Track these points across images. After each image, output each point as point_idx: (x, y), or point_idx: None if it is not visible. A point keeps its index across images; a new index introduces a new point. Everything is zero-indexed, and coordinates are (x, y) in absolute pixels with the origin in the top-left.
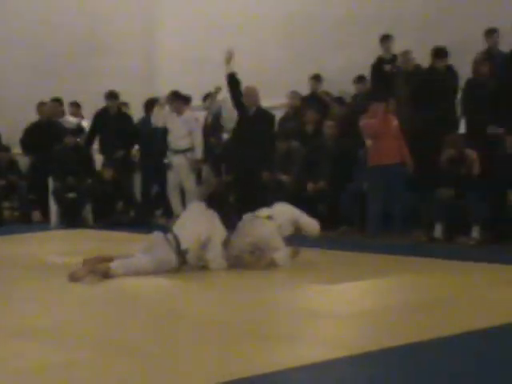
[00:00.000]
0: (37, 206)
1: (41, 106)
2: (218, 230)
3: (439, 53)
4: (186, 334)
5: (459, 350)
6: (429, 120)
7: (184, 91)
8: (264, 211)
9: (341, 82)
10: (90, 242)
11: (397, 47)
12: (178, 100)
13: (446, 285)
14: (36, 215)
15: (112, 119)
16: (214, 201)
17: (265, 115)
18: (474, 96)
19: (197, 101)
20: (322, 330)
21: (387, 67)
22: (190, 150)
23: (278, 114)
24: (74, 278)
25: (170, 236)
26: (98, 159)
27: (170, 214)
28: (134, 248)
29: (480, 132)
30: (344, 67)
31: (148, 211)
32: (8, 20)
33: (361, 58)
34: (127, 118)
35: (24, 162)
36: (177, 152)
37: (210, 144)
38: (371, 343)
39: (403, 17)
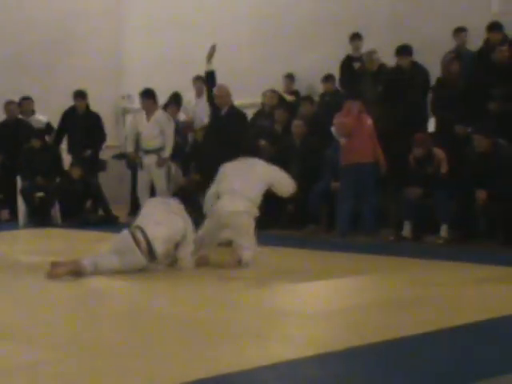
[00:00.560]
0: (5, 205)
1: (8, 104)
2: (190, 227)
3: (402, 50)
4: (156, 333)
5: (426, 348)
6: (397, 119)
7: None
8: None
9: (310, 80)
10: (58, 241)
11: (367, 46)
12: (149, 99)
13: (414, 284)
14: (4, 214)
15: (80, 118)
16: (180, 196)
17: (237, 114)
18: (442, 95)
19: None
20: (291, 329)
21: (356, 65)
22: (162, 149)
23: (249, 113)
24: (52, 275)
25: (139, 236)
26: (67, 158)
27: (137, 213)
28: (102, 247)
29: (448, 131)
30: (313, 66)
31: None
32: None
33: (330, 57)
34: (95, 116)
35: None
36: (148, 152)
37: (177, 143)
38: (339, 342)
39: (373, 15)
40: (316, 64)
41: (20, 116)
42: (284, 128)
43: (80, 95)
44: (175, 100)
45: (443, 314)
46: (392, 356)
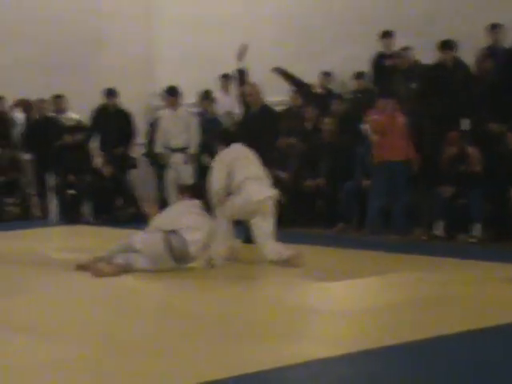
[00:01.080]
0: (37, 203)
1: (40, 102)
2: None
3: (445, 45)
4: (187, 332)
5: (458, 348)
6: (434, 116)
7: (183, 88)
8: None
9: (341, 78)
10: (89, 238)
11: (398, 43)
12: (172, 96)
13: (446, 283)
14: (36, 211)
15: (111, 116)
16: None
17: (269, 112)
18: (476, 93)
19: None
20: (322, 328)
21: (388, 62)
22: (188, 147)
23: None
24: (99, 273)
25: (175, 242)
26: (98, 156)
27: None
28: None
29: (482, 129)
30: (344, 64)
31: None
32: (10, 16)
33: (361, 55)
34: (126, 114)
35: (25, 158)
36: (174, 150)
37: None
38: (371, 341)
39: (404, 12)
40: (347, 62)
41: (52, 114)
42: (314, 126)
43: (111, 93)
44: (207, 97)
45: (475, 314)
46: (423, 355)
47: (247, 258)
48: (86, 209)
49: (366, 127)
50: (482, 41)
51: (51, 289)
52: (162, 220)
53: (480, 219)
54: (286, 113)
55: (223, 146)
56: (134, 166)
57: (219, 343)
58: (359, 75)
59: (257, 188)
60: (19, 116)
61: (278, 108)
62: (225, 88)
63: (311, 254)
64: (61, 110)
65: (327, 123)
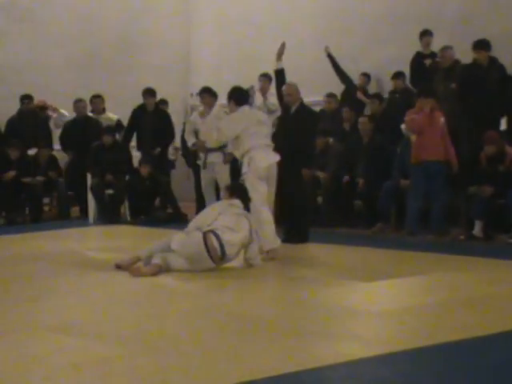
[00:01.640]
0: (75, 203)
1: (77, 102)
2: (254, 225)
3: (479, 44)
4: (225, 331)
5: (499, 349)
6: (472, 116)
7: (220, 89)
8: None
9: (379, 78)
10: (127, 238)
11: (436, 43)
12: (208, 95)
13: (485, 283)
14: (75, 211)
15: (149, 116)
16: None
17: (307, 112)
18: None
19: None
20: (359, 328)
21: (427, 62)
22: (225, 146)
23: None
24: (137, 273)
25: (214, 242)
26: (136, 156)
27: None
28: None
29: None
30: (382, 64)
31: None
32: (47, 17)
33: (399, 54)
34: (164, 114)
35: (63, 158)
36: (210, 150)
37: None
38: (408, 341)
39: (443, 12)
40: (385, 61)
41: (91, 114)
42: (352, 126)
43: (149, 93)
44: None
45: None
46: (461, 356)
47: (285, 257)
48: (124, 209)
49: (405, 127)
50: None
51: (89, 289)
52: (200, 220)
53: None
54: (321, 114)
55: (234, 103)
56: (173, 167)
57: (258, 343)
58: (398, 75)
59: (264, 155)
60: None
61: (316, 108)
62: (264, 87)
63: (349, 253)
64: (99, 110)
65: (361, 123)
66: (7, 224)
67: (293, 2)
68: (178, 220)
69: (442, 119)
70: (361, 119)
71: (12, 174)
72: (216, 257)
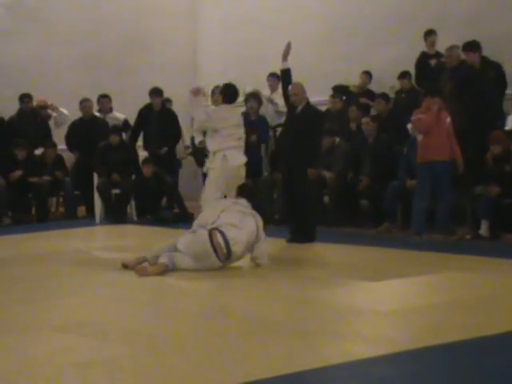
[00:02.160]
0: (82, 202)
1: (84, 102)
2: (261, 225)
3: (468, 46)
4: (231, 331)
5: (505, 349)
6: (469, 116)
7: None
8: None
9: (385, 77)
10: (134, 237)
11: (442, 43)
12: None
13: (491, 283)
14: (81, 211)
15: (156, 116)
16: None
17: (313, 112)
18: None
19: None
20: (365, 327)
21: (432, 62)
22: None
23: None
24: (143, 273)
25: (219, 239)
26: (142, 156)
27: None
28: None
29: None
30: (387, 64)
31: None
32: (53, 17)
33: (404, 54)
34: (171, 114)
35: (69, 158)
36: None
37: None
38: (414, 341)
39: (448, 12)
40: (390, 61)
41: (97, 113)
42: (358, 126)
43: (156, 92)
44: (253, 96)
45: None
46: (468, 356)
47: (292, 257)
48: (131, 208)
49: (411, 127)
50: None
51: (96, 288)
52: (204, 218)
53: None
54: (327, 114)
55: (222, 99)
56: (179, 166)
57: (264, 343)
58: (404, 74)
59: (236, 156)
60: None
61: (322, 108)
62: (273, 86)
63: (355, 253)
64: (106, 109)
65: (365, 123)
66: (14, 224)
67: (299, 2)
68: (185, 220)
69: (448, 119)
70: (364, 120)
71: (18, 173)
72: (222, 254)
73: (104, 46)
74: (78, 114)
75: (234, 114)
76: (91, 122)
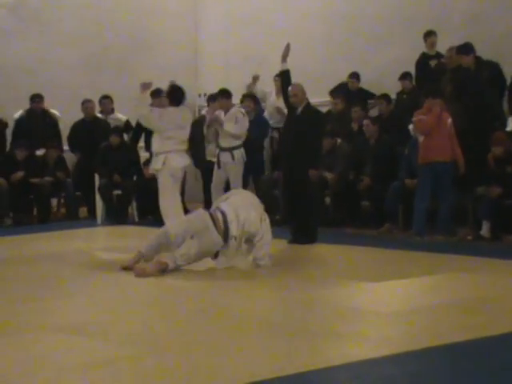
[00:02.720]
0: (83, 203)
1: (85, 103)
2: (268, 226)
3: (461, 49)
4: (232, 332)
5: (507, 349)
6: (467, 118)
7: (228, 87)
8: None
9: (384, 79)
10: (135, 238)
11: (442, 44)
12: (224, 98)
13: (492, 284)
14: (82, 212)
15: None
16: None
17: (313, 113)
18: None
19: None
20: (367, 328)
21: (432, 63)
22: (239, 147)
23: (323, 111)
24: (142, 273)
25: (218, 215)
26: (144, 157)
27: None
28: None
29: None
30: (387, 65)
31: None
32: (55, 18)
33: (405, 55)
34: None
35: (71, 159)
36: (224, 150)
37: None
38: (415, 342)
39: (448, 12)
40: (390, 62)
41: (99, 114)
42: (359, 127)
43: (157, 94)
44: (249, 96)
45: None
46: (469, 357)
47: (293, 257)
48: (132, 209)
49: (412, 128)
50: None
51: (97, 289)
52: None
53: None
54: (328, 115)
55: (169, 101)
56: None
57: (265, 343)
58: (405, 75)
59: (179, 158)
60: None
61: (323, 109)
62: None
63: (357, 254)
64: (108, 110)
65: (365, 125)
66: (15, 224)
67: (300, 3)
68: None
69: (450, 120)
70: (365, 121)
71: (20, 174)
72: (220, 229)
73: (106, 46)
74: (79, 115)
75: (181, 115)
76: (93, 122)
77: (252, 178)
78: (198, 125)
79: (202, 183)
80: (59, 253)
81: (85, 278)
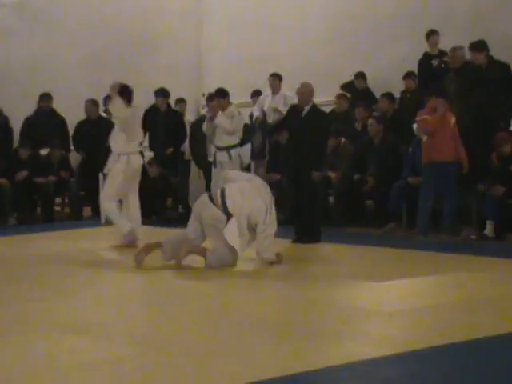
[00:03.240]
0: (87, 203)
1: (89, 102)
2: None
3: (475, 46)
4: (234, 331)
5: (509, 349)
6: (473, 117)
7: (233, 88)
8: None
9: (388, 78)
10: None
11: (448, 43)
12: (221, 97)
13: (497, 283)
14: (86, 211)
15: (162, 116)
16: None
17: (319, 114)
18: None
19: (246, 97)
20: (370, 328)
21: (435, 62)
22: (235, 146)
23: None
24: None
25: (217, 192)
26: (148, 156)
27: None
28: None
29: None
30: (391, 64)
31: None
32: (60, 18)
33: (408, 55)
34: (177, 115)
35: (75, 158)
36: (221, 149)
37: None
38: (419, 341)
39: (452, 12)
40: (394, 62)
41: (103, 114)
42: (363, 126)
43: (161, 93)
44: (256, 96)
45: None
46: (472, 356)
47: (297, 257)
48: None
49: (416, 127)
50: None
51: (101, 289)
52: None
53: None
54: (332, 114)
55: (121, 98)
56: (188, 166)
57: (269, 343)
58: (409, 75)
59: (137, 158)
60: None
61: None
62: (274, 87)
63: (361, 253)
64: None
65: (370, 125)
66: (19, 224)
67: (303, 3)
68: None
69: (453, 120)
70: (369, 121)
71: (24, 174)
72: (218, 203)
73: (109, 46)
74: (83, 115)
75: (136, 114)
76: (97, 122)
77: None
78: (198, 125)
79: (205, 182)
80: (63, 252)
81: (88, 278)
